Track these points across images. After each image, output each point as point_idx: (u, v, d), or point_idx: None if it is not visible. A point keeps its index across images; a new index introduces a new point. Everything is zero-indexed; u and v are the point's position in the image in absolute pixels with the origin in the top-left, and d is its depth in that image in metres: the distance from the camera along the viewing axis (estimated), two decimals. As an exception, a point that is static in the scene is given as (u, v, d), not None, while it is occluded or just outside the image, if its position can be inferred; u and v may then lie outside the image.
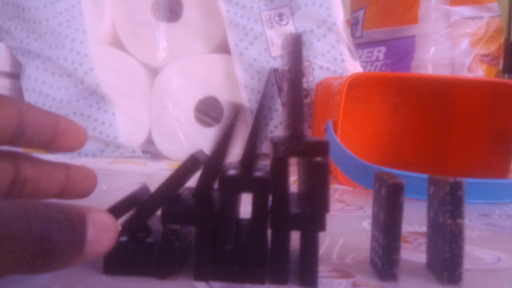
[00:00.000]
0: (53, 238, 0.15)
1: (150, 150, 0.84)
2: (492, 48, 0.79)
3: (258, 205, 0.24)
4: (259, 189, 0.24)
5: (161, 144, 0.83)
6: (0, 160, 0.21)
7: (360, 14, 0.89)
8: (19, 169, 0.22)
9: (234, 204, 0.24)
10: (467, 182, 0.52)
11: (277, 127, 0.79)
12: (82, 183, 0.26)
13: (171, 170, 0.25)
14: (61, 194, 0.25)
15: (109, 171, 0.67)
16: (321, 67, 0.78)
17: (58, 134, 0.23)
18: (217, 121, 0.83)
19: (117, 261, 0.24)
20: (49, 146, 0.23)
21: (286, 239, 0.24)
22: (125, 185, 0.54)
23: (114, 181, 0.58)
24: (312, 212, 0.24)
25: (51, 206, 0.16)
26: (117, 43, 0.86)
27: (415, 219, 0.42)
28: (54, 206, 0.16)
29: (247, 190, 0.24)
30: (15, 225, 0.14)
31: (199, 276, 0.24)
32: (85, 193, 0.26)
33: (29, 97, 0.82)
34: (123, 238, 0.25)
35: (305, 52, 0.78)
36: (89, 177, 0.27)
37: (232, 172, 0.24)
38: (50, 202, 0.16)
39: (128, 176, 0.63)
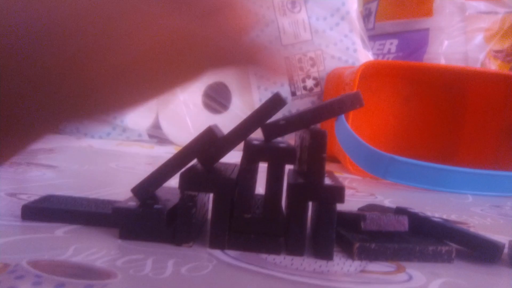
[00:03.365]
0: None
1: (156, 135, 0.84)
2: (507, 44, 0.78)
3: (275, 176, 0.24)
4: (287, 158, 0.23)
5: (167, 129, 0.83)
6: None
7: (373, 5, 0.88)
8: None
9: (254, 173, 0.24)
10: (479, 173, 0.51)
11: (285, 116, 0.79)
12: None
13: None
14: None
15: (117, 152, 0.67)
16: (332, 57, 0.77)
17: None
18: (225, 107, 0.82)
19: (129, 226, 0.24)
20: None
21: (304, 210, 0.24)
22: (134, 165, 0.54)
23: (122, 160, 0.58)
24: (332, 184, 0.24)
25: None
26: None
27: (427, 206, 0.41)
28: None
29: (273, 159, 0.23)
30: None
31: (215, 244, 0.24)
32: None
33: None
34: (132, 204, 0.24)
35: (316, 41, 0.77)
36: None
37: (256, 142, 0.24)
38: None
39: (136, 157, 0.63)
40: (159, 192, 0.28)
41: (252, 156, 0.23)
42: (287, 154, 0.23)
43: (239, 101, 0.81)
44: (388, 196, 0.46)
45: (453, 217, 0.38)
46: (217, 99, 0.83)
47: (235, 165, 0.29)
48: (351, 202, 0.40)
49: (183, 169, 0.25)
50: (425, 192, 0.50)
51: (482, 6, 0.78)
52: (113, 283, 0.18)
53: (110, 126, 0.83)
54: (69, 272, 0.19)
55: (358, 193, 0.46)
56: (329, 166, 0.67)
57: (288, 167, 0.26)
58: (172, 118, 0.83)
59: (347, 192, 0.46)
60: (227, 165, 0.29)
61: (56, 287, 0.17)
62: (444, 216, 0.37)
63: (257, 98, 0.80)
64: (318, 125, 0.29)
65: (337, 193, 0.24)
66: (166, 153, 0.72)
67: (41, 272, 0.19)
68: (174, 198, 0.26)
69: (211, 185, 0.23)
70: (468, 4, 0.78)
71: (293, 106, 0.78)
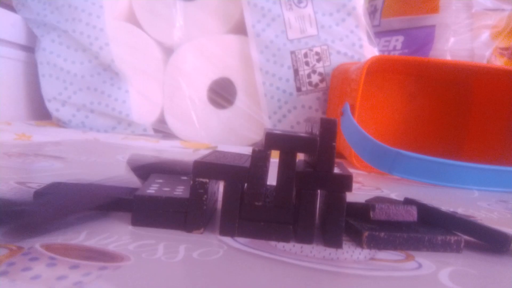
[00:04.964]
0: None
1: (161, 129, 0.84)
2: (513, 41, 0.77)
3: (287, 164, 0.24)
4: (308, 148, 0.23)
5: (173, 123, 0.83)
6: None
7: (379, 2, 0.88)
8: None
9: (266, 161, 0.24)
10: (486, 168, 0.51)
11: (290, 112, 0.79)
12: None
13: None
14: None
15: (123, 145, 0.67)
16: (338, 52, 0.77)
17: None
18: (230, 103, 0.83)
19: (141, 213, 0.24)
20: None
21: (313, 198, 0.24)
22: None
23: (128, 153, 0.58)
24: (340, 173, 0.24)
25: None
26: (133, 19, 0.85)
27: (433, 200, 0.41)
28: None
29: (295, 148, 0.24)
30: None
31: (225, 231, 0.24)
32: None
33: (44, 70, 0.82)
34: (151, 191, 0.25)
35: (322, 36, 0.77)
36: None
37: (278, 131, 0.24)
38: None
39: (141, 150, 0.63)
40: (170, 180, 0.28)
41: (271, 144, 0.23)
42: (308, 144, 0.24)
43: (244, 96, 0.81)
44: (394, 190, 0.46)
45: (459, 211, 0.38)
46: (222, 94, 0.83)
47: (248, 155, 0.29)
48: (357, 196, 0.40)
49: (196, 158, 0.25)
50: (431, 187, 0.50)
51: (489, 3, 0.78)
52: (127, 265, 0.18)
53: (116, 121, 0.83)
54: (82, 255, 0.19)
55: (364, 187, 0.46)
56: (334, 162, 0.67)
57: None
58: (178, 113, 0.83)
59: (353, 186, 0.46)
60: (239, 155, 0.29)
61: (71, 269, 0.18)
62: (451, 210, 0.37)
63: (262, 93, 0.80)
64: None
65: (345, 181, 0.24)
66: (171, 147, 0.72)
67: (55, 255, 0.19)
68: (185, 186, 0.27)
69: (223, 172, 0.24)
70: (474, 1, 0.77)
71: (298, 102, 0.78)
